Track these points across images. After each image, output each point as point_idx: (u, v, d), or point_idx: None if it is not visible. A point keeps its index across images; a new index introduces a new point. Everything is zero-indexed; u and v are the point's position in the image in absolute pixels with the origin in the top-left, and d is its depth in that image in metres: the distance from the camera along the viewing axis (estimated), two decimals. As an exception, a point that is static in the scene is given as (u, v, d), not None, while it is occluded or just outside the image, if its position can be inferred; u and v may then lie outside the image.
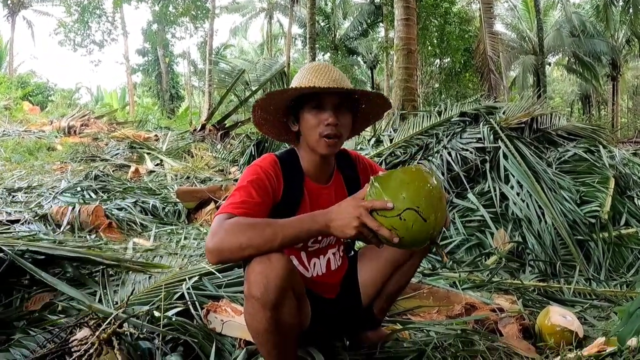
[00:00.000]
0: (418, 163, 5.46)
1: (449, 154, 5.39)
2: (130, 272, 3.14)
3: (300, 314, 1.75)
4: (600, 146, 5.77)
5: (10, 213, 5.07)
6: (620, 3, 22.83)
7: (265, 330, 1.62)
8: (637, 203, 4.95)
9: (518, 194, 4.68)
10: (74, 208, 4.96)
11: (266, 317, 1.59)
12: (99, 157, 9.38)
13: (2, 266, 2.51)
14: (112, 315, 2.04)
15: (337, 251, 2.08)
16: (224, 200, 5.75)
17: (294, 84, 1.88)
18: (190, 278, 2.78)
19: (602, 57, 27.30)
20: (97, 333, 1.96)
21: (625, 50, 28.84)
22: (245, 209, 1.68)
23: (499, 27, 24.53)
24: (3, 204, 5.60)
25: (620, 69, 29.26)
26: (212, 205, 5.76)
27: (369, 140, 6.66)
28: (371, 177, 1.59)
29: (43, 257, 2.91)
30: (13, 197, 6.00)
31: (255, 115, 1.94)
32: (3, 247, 2.61)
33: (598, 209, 4.55)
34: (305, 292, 1.81)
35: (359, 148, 6.42)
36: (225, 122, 13.58)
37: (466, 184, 5.06)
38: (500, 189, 4.82)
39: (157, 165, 9.08)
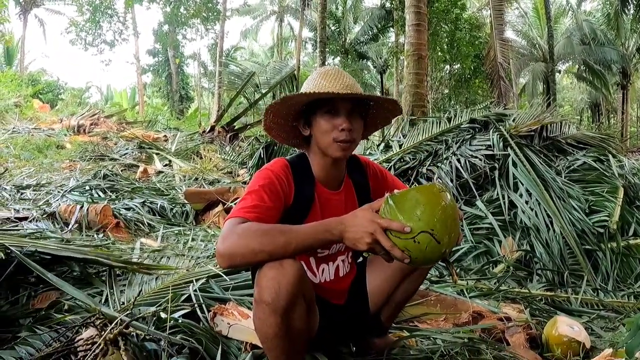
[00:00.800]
0: (427, 169, 5.45)
1: (458, 160, 5.38)
2: (137, 272, 3.14)
3: (310, 321, 1.75)
4: (610, 155, 5.74)
5: (18, 210, 5.10)
6: (632, 11, 22.72)
7: (275, 336, 1.62)
8: (646, 213, 4.91)
9: (527, 202, 4.66)
10: (82, 207, 4.98)
11: (276, 322, 1.58)
12: (108, 156, 9.42)
13: (10, 266, 2.51)
14: (118, 318, 2.04)
15: (347, 258, 2.07)
16: (232, 202, 5.76)
17: (306, 88, 1.88)
18: (197, 280, 2.78)
19: (612, 65, 27.18)
20: (103, 333, 1.97)
21: (635, 59, 28.67)
22: (257, 213, 1.67)
23: (509, 33, 24.55)
24: (12, 201, 5.63)
25: (630, 77, 29.12)
26: (220, 207, 5.76)
27: (378, 146, 6.66)
28: (386, 195, 1.58)
29: (50, 257, 2.92)
30: (22, 194, 6.03)
31: (267, 118, 1.93)
32: (11, 247, 2.61)
33: (607, 218, 4.52)
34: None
35: (367, 153, 6.41)
36: (235, 124, 13.62)
37: (475, 191, 5.05)
38: (509, 197, 4.81)
39: (165, 165, 9.11)
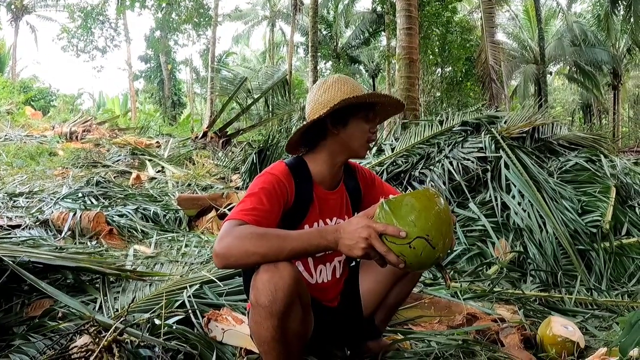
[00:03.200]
0: (420, 173, 5.46)
1: (451, 163, 5.39)
2: (131, 279, 3.13)
3: (306, 323, 1.76)
4: (602, 155, 5.76)
5: (11, 218, 5.07)
6: (621, 12, 22.87)
7: (272, 339, 1.64)
8: (638, 212, 4.93)
9: (519, 204, 4.68)
10: (75, 214, 4.96)
11: (273, 325, 1.60)
12: (101, 163, 9.40)
13: (4, 276, 2.50)
14: (114, 326, 2.03)
15: (342, 258, 2.10)
16: (225, 208, 5.75)
17: (353, 92, 1.90)
18: (191, 286, 2.77)
19: (603, 66, 27.38)
20: (97, 340, 1.96)
21: (626, 59, 28.88)
22: (255, 215, 1.70)
23: (500, 36, 24.68)
24: (4, 208, 5.60)
25: (621, 77, 29.31)
26: (213, 213, 5.75)
27: (370, 149, 6.65)
28: (381, 200, 1.59)
29: (42, 265, 2.90)
30: (14, 202, 6.01)
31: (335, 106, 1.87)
32: (4, 258, 2.60)
33: (599, 218, 4.55)
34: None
35: (360, 156, 6.40)
36: (227, 129, 13.62)
37: (467, 193, 5.06)
38: (501, 199, 4.82)
39: (158, 172, 9.10)
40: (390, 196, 1.61)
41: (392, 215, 1.53)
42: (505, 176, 5.01)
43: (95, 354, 1.89)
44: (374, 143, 1.98)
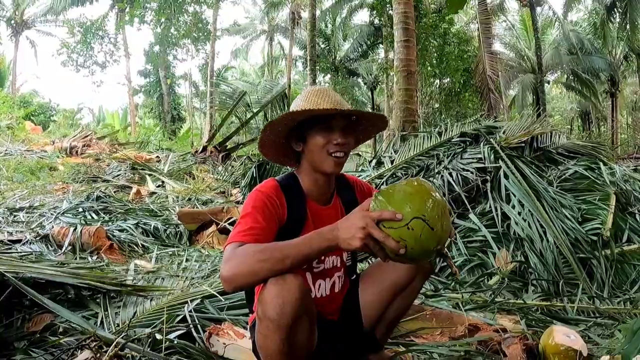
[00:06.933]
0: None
1: (450, 174, 5.38)
2: (132, 294, 3.13)
3: (311, 336, 1.77)
4: (601, 163, 5.77)
5: (12, 233, 5.07)
6: (617, 20, 22.99)
7: (280, 352, 1.64)
8: (638, 219, 4.93)
9: (519, 214, 4.67)
10: (75, 229, 4.96)
11: (281, 338, 1.61)
12: (101, 177, 9.40)
13: (6, 292, 2.50)
14: (115, 341, 2.03)
15: (342, 274, 2.10)
16: (225, 222, 5.75)
17: (298, 106, 1.92)
18: (192, 300, 2.77)
19: (600, 73, 27.40)
20: (98, 355, 1.96)
21: (623, 67, 28.96)
22: (254, 234, 1.71)
23: (497, 46, 24.74)
24: (5, 223, 5.59)
25: (618, 85, 29.32)
26: (213, 228, 5.73)
27: (369, 162, 6.67)
28: (374, 192, 1.61)
29: (43, 280, 2.90)
30: (15, 216, 6.00)
31: (264, 135, 1.95)
32: (6, 274, 2.60)
33: (600, 226, 4.54)
34: None
35: (360, 170, 6.42)
36: (227, 144, 13.61)
37: (467, 204, 5.05)
38: (501, 209, 4.82)
39: (158, 186, 9.09)
40: (383, 187, 1.62)
41: (386, 203, 1.55)
42: (505, 186, 5.00)
43: (96, 370, 1.89)
44: (341, 155, 1.89)
